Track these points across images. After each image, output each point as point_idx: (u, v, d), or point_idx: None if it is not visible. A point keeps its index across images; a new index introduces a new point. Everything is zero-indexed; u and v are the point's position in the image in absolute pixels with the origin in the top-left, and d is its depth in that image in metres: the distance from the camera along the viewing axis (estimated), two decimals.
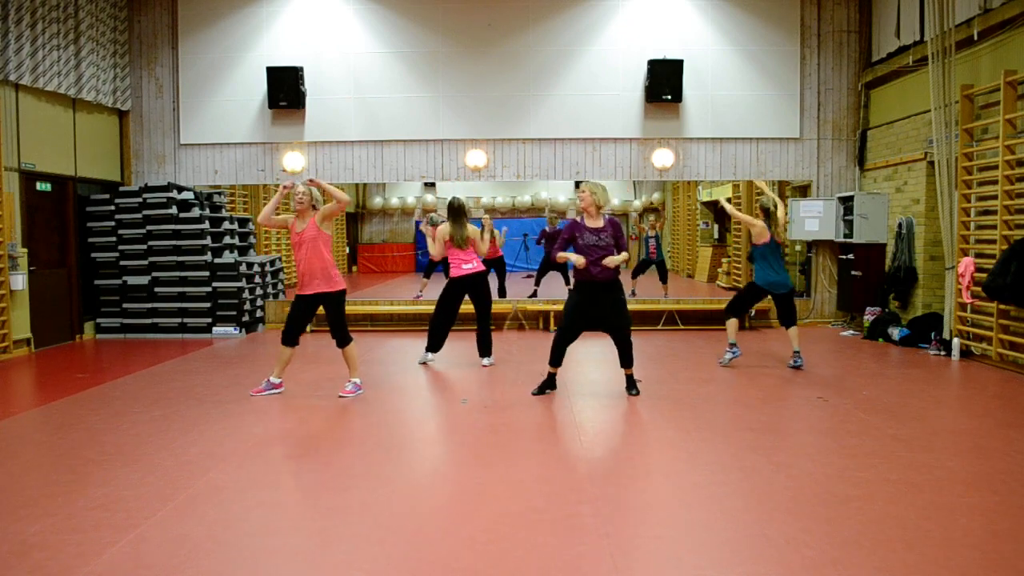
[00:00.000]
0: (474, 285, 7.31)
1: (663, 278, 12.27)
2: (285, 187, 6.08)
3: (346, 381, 6.32)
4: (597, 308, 5.98)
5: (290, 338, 6.12)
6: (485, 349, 7.50)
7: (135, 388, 6.64)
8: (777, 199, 7.34)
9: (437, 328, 7.44)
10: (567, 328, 6.05)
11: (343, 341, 6.14)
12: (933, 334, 8.35)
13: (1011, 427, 5.18)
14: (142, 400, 6.12)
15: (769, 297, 7.43)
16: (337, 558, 3.18)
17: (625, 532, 3.45)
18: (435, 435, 5.36)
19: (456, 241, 7.24)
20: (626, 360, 6.18)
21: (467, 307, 7.58)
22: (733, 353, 7.33)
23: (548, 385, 6.26)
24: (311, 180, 6.17)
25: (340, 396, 6.13)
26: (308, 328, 10.11)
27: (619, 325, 6.02)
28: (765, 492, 3.90)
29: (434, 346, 7.50)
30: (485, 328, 7.48)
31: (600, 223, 5.96)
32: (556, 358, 6.17)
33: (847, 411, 5.63)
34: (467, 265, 7.26)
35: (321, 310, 6.19)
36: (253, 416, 5.58)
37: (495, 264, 11.02)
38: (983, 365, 7.51)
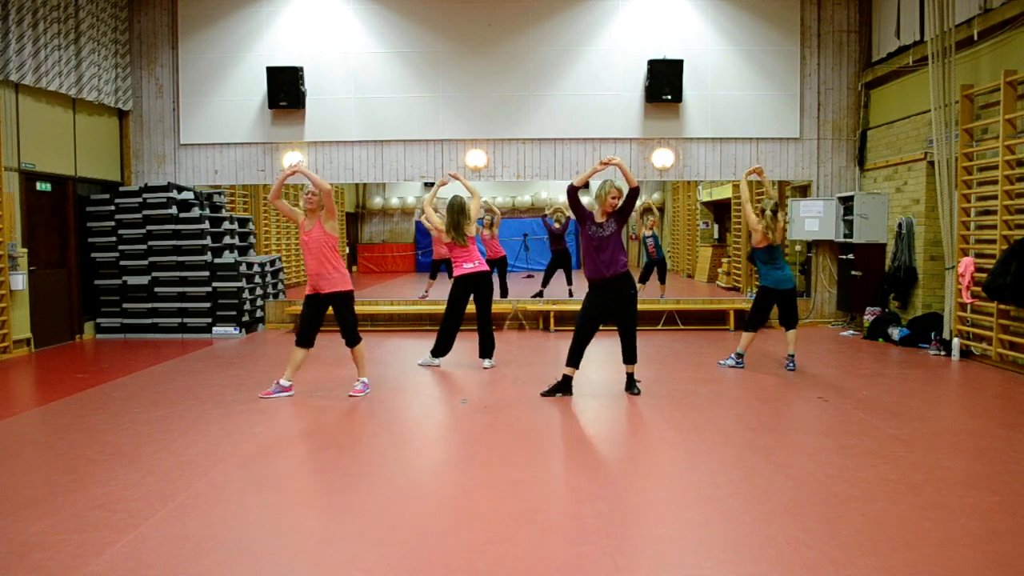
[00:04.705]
0: (478, 284, 7.27)
1: (662, 278, 12.21)
2: (292, 167, 6.27)
3: (354, 381, 6.35)
4: (614, 304, 6.05)
5: (305, 339, 6.10)
6: (486, 350, 7.49)
7: (135, 388, 6.65)
8: (777, 201, 7.37)
9: (446, 331, 7.38)
10: (585, 324, 6.06)
11: (352, 341, 6.16)
12: (933, 334, 8.35)
13: (1011, 427, 5.19)
14: (142, 400, 6.12)
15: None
16: (337, 558, 3.18)
17: (625, 532, 3.45)
18: (435, 435, 5.36)
19: (451, 236, 7.23)
20: (630, 356, 6.19)
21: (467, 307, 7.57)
22: (736, 363, 7.35)
23: (562, 388, 6.16)
24: (294, 167, 6.24)
25: (350, 396, 6.14)
26: None
27: (630, 314, 6.11)
28: (765, 492, 3.90)
29: (441, 350, 7.44)
30: (487, 329, 7.46)
31: (605, 217, 6.11)
32: (575, 358, 6.13)
33: (847, 411, 5.63)
34: (468, 264, 7.23)
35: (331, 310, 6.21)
36: (253, 416, 5.58)
37: (497, 263, 11.02)
38: (983, 365, 7.51)
